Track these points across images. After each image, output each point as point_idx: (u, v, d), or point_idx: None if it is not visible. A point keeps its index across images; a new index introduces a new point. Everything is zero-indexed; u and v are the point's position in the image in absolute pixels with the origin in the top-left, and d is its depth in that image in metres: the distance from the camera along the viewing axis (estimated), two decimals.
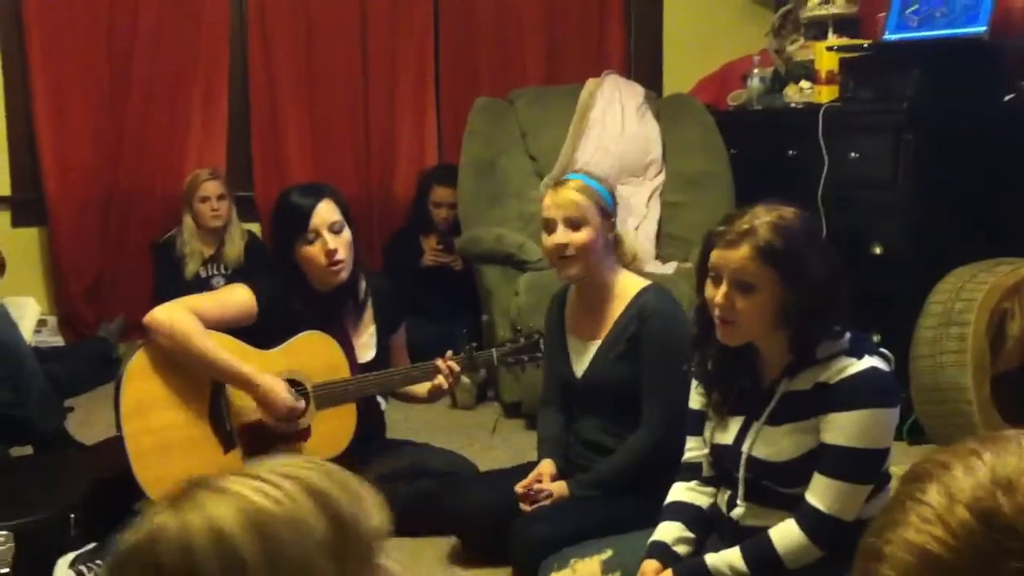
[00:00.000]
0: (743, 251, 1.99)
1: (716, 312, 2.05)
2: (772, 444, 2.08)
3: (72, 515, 2.66)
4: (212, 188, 4.46)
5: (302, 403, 2.80)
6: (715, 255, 2.05)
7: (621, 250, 2.70)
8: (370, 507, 0.93)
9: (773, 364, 2.11)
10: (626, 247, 2.72)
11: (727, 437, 2.16)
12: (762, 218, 2.01)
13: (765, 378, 2.13)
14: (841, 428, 1.99)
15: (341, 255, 2.86)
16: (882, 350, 2.09)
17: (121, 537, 0.89)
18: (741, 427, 2.13)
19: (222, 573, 0.84)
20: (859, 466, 2.00)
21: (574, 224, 2.58)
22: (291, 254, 2.88)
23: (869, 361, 2.01)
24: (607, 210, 2.62)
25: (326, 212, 2.87)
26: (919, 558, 0.75)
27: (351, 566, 0.89)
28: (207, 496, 0.87)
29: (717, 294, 2.04)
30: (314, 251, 2.85)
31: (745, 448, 2.11)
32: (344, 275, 2.90)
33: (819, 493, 2.01)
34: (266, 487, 0.88)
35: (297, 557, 0.86)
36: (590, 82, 4.68)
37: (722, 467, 2.18)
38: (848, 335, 2.06)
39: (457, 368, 2.89)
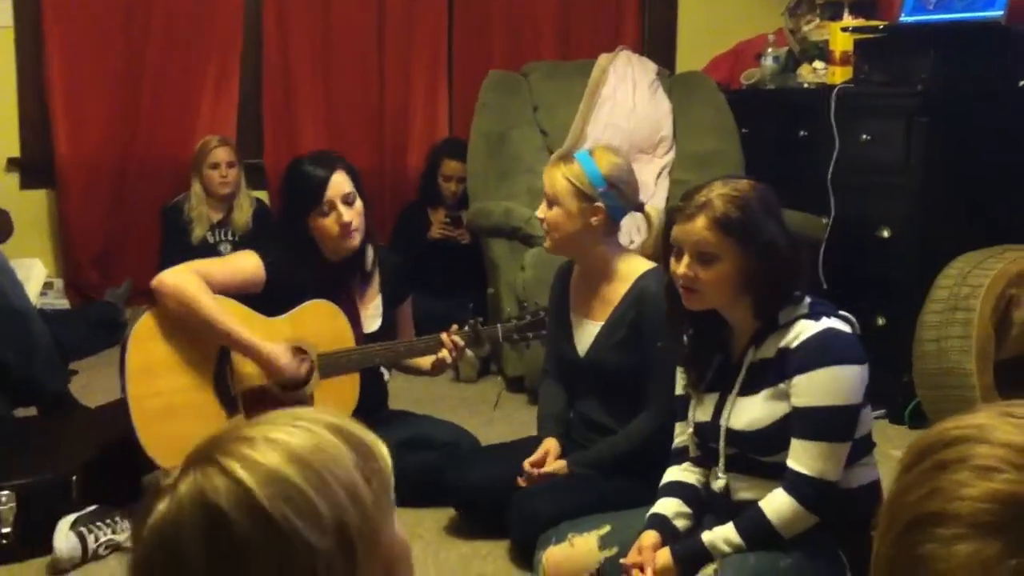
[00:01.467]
0: (700, 223, 2.07)
1: (680, 283, 2.12)
2: (747, 414, 2.11)
3: (74, 477, 2.68)
4: (222, 155, 4.46)
5: (304, 369, 2.80)
6: (675, 230, 2.12)
7: (650, 238, 2.69)
8: (375, 440, 0.97)
9: (743, 335, 2.16)
10: (650, 235, 2.70)
11: (706, 414, 2.19)
12: (717, 191, 2.09)
13: (736, 351, 2.18)
14: (805, 389, 2.03)
15: (355, 225, 2.87)
16: (843, 313, 2.13)
17: (142, 517, 0.88)
18: (717, 402, 2.17)
19: (287, 506, 0.86)
20: (831, 424, 2.04)
21: (550, 201, 2.64)
22: (303, 224, 2.88)
23: (826, 323, 2.06)
24: (588, 194, 2.60)
25: (339, 183, 2.87)
26: (1000, 503, 0.77)
27: (375, 486, 0.93)
28: (236, 447, 0.89)
29: (680, 267, 2.10)
30: (328, 223, 2.86)
31: (723, 421, 2.14)
32: (356, 241, 2.91)
33: (799, 457, 2.04)
34: (286, 428, 0.92)
35: (343, 478, 0.90)
36: (602, 58, 4.66)
37: (706, 444, 2.21)
38: (808, 299, 2.11)
39: (462, 343, 2.89)
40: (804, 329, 2.06)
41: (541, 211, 2.68)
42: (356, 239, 2.90)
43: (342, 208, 2.86)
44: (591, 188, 2.60)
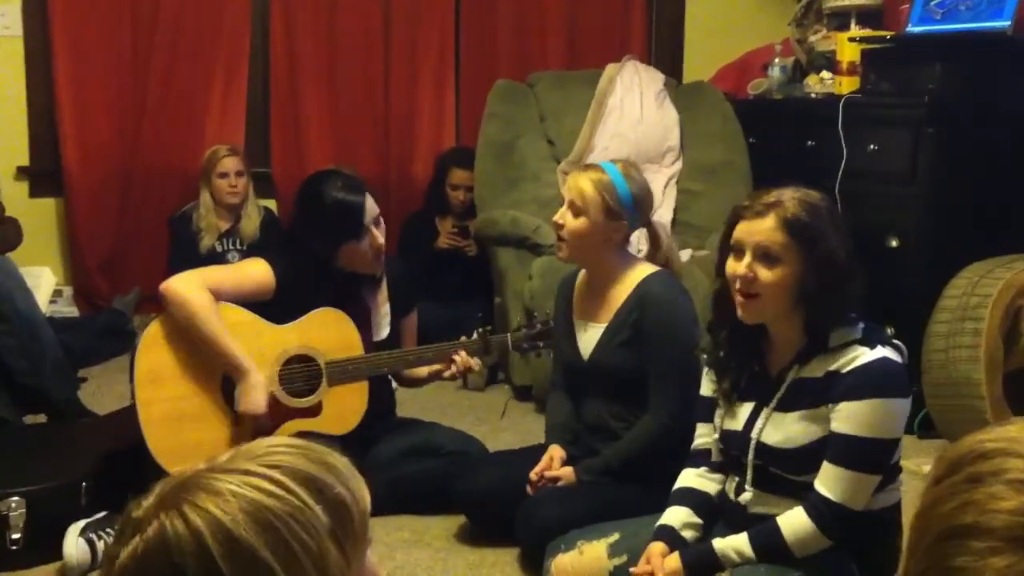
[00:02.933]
0: (769, 222, 2.02)
1: (737, 286, 2.05)
2: (781, 430, 2.08)
3: (83, 483, 2.69)
4: (231, 164, 4.46)
5: (266, 419, 2.77)
6: (740, 228, 2.06)
7: (656, 251, 2.71)
8: (357, 486, 0.95)
9: (785, 350, 2.12)
10: (663, 249, 2.71)
11: (736, 423, 2.16)
12: (789, 194, 2.04)
13: (775, 364, 2.14)
14: (851, 417, 1.99)
15: (384, 246, 2.92)
16: (895, 341, 2.09)
17: (114, 545, 0.89)
18: (751, 413, 2.14)
19: (246, 574, 0.85)
20: (868, 456, 2.01)
21: (575, 211, 2.62)
22: (334, 248, 2.87)
23: (881, 351, 2.01)
24: (615, 211, 2.60)
25: (372, 207, 2.90)
26: None
27: (349, 545, 0.91)
28: (206, 499, 0.87)
29: (739, 266, 2.05)
30: (363, 247, 2.88)
31: (754, 434, 2.11)
32: (381, 266, 2.96)
33: (828, 482, 2.01)
34: (260, 482, 0.89)
35: (311, 547, 0.88)
36: (610, 67, 4.67)
37: (731, 453, 2.19)
38: (861, 324, 2.06)
39: (472, 362, 2.90)
40: (859, 355, 2.00)
41: (560, 216, 2.65)
42: (383, 260, 2.94)
43: (375, 231, 2.88)
44: (619, 205, 2.61)
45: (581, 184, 2.62)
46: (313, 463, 0.93)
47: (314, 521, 0.89)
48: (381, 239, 2.90)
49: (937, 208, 3.66)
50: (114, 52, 4.72)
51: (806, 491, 2.05)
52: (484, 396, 4.10)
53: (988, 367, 3.30)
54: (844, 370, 2.01)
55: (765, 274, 2.02)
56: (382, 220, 2.94)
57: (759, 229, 2.02)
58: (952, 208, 3.65)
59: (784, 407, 2.09)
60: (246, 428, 2.77)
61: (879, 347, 2.02)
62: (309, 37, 4.93)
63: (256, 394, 2.75)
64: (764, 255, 2.02)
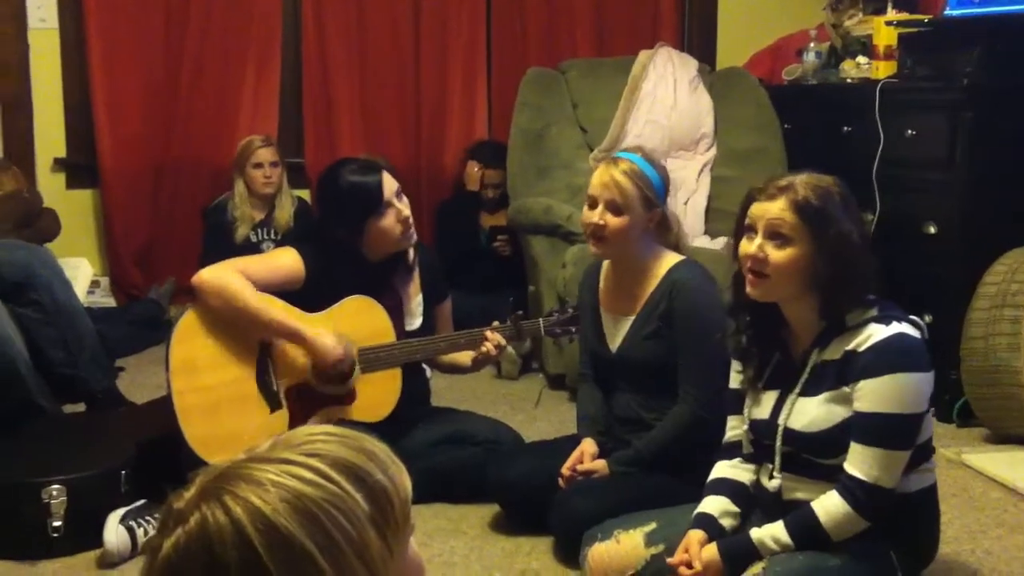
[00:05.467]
0: (780, 203, 2.06)
1: (748, 265, 2.09)
2: (807, 415, 2.09)
3: (123, 472, 2.71)
4: (265, 155, 4.48)
5: (349, 354, 2.80)
6: (753, 208, 2.11)
7: (667, 235, 2.68)
8: (397, 473, 0.95)
9: (804, 335, 2.14)
10: (672, 233, 2.69)
11: (763, 411, 2.17)
12: (802, 179, 2.08)
13: (797, 350, 2.16)
14: (871, 394, 2.00)
15: (411, 220, 2.90)
16: (912, 317, 2.10)
17: (157, 536, 0.89)
18: (776, 400, 2.15)
19: (287, 564, 0.85)
20: (893, 431, 2.01)
21: (615, 209, 2.56)
22: (361, 232, 2.87)
23: (897, 327, 2.03)
24: (652, 200, 2.57)
25: (390, 182, 2.90)
26: None
27: (391, 533, 0.91)
28: (246, 489, 0.87)
29: (751, 246, 2.08)
30: (388, 222, 2.87)
31: (781, 420, 2.12)
32: (414, 239, 2.95)
33: (857, 462, 2.02)
34: (300, 471, 0.89)
35: (352, 535, 0.88)
36: (642, 54, 4.64)
37: (761, 442, 2.19)
38: (877, 305, 2.08)
39: (503, 340, 2.89)
40: (874, 333, 2.03)
41: (599, 217, 2.56)
42: (414, 234, 2.93)
43: (399, 204, 2.88)
44: (654, 193, 2.58)
45: (618, 179, 2.55)
46: (353, 451, 0.93)
47: (355, 509, 0.89)
48: (406, 211, 2.89)
49: (976, 194, 3.61)
50: (147, 44, 4.76)
51: (837, 473, 2.05)
52: (518, 385, 4.10)
53: None
54: (860, 348, 2.03)
55: (775, 254, 2.06)
56: (404, 196, 2.93)
57: (771, 210, 2.06)
58: (991, 194, 3.60)
59: (808, 391, 2.10)
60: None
61: (894, 323, 2.04)
62: (340, 27, 4.94)
63: (324, 340, 2.76)
64: (774, 235, 2.06)
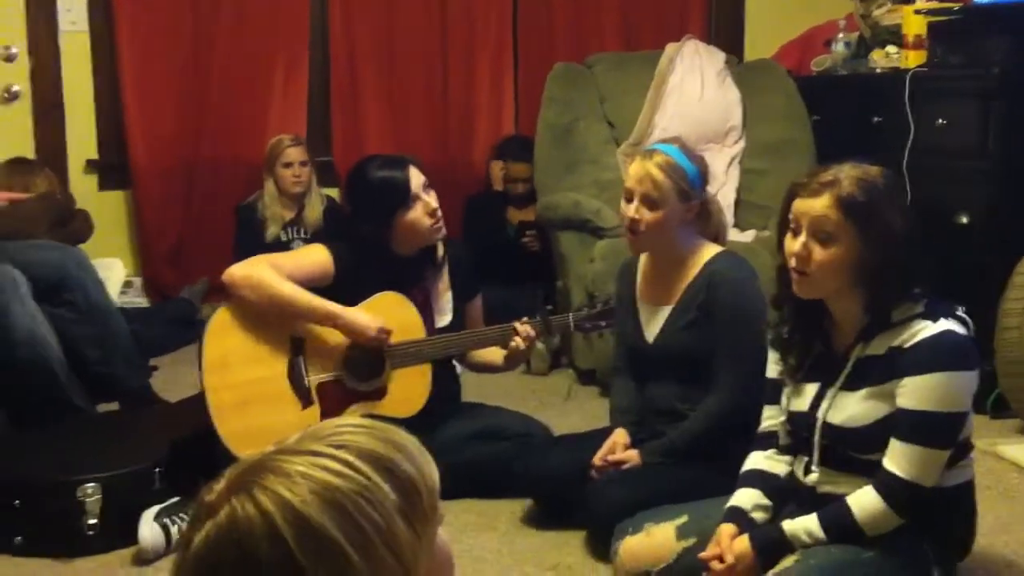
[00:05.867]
0: (824, 200, 2.00)
1: (792, 263, 2.05)
2: (847, 410, 2.06)
3: (157, 469, 2.73)
4: (294, 154, 4.50)
5: (385, 329, 2.82)
6: (796, 204, 2.05)
7: (708, 225, 2.67)
8: (424, 463, 0.95)
9: (848, 328, 2.10)
10: (712, 222, 2.68)
11: (802, 404, 2.14)
12: (847, 172, 2.02)
13: (840, 343, 2.12)
14: (915, 392, 1.97)
15: (440, 212, 2.91)
16: (960, 314, 2.06)
17: (188, 530, 0.90)
18: (816, 393, 2.12)
19: (317, 555, 0.86)
20: (936, 430, 1.98)
21: (650, 203, 2.55)
22: (388, 225, 2.89)
23: (944, 324, 1.99)
24: (688, 192, 2.56)
25: (416, 175, 2.92)
26: None
27: (419, 523, 0.92)
28: (275, 481, 0.88)
29: (795, 244, 2.04)
30: (416, 215, 2.88)
31: (820, 414, 2.10)
32: (444, 232, 2.95)
33: (896, 459, 1.99)
34: (328, 462, 0.90)
35: (380, 525, 0.88)
36: (669, 47, 4.62)
37: (798, 434, 2.17)
38: (925, 300, 2.04)
39: (533, 332, 2.89)
40: (921, 329, 1.99)
41: (635, 212, 2.56)
42: (443, 228, 2.93)
43: (427, 197, 2.89)
44: (690, 186, 2.56)
45: (652, 173, 2.53)
46: (380, 442, 0.93)
47: (383, 500, 0.89)
48: (434, 204, 2.90)
49: (1008, 183, 3.57)
50: (177, 45, 4.80)
51: (875, 469, 2.02)
52: (548, 380, 4.10)
53: None
54: (907, 345, 1.99)
55: (819, 253, 2.01)
56: (432, 190, 2.94)
57: (814, 207, 2.01)
58: (1023, 183, 3.56)
59: (849, 386, 2.07)
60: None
61: (942, 320, 1.99)
62: (367, 26, 4.95)
63: (359, 317, 2.79)
64: (819, 233, 2.01)
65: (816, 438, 2.11)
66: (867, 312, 2.06)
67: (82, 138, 4.78)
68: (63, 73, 4.70)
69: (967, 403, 2.02)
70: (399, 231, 2.90)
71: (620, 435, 2.66)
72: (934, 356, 1.97)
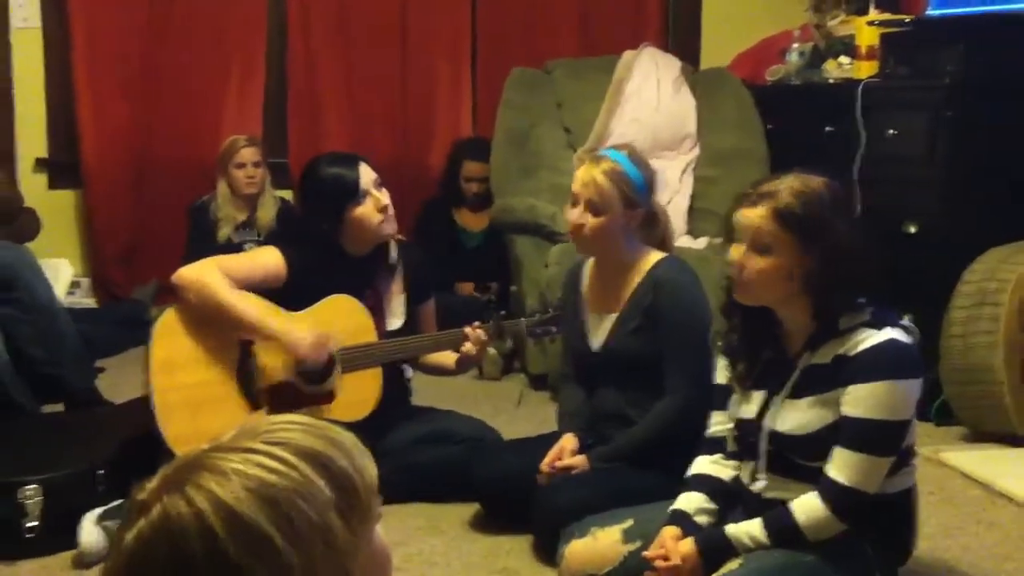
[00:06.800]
0: (761, 211, 2.03)
1: (732, 271, 2.08)
2: (794, 417, 2.08)
3: (100, 471, 2.70)
4: (248, 155, 4.47)
5: (323, 345, 2.80)
6: (737, 214, 2.08)
7: (654, 233, 2.68)
8: (361, 460, 0.94)
9: (797, 337, 2.12)
10: (659, 230, 2.69)
11: (750, 411, 2.16)
12: (787, 183, 2.04)
13: (788, 351, 2.14)
14: (860, 400, 1.99)
15: (391, 209, 2.91)
16: (905, 323, 2.09)
17: (121, 529, 0.88)
18: (764, 401, 2.14)
19: (250, 552, 0.85)
20: (879, 438, 2.00)
21: (595, 209, 2.56)
22: (339, 221, 2.88)
23: (889, 333, 2.01)
24: (633, 199, 2.57)
25: (368, 171, 2.92)
26: None
27: (356, 520, 0.91)
28: (208, 478, 0.87)
29: (734, 253, 2.07)
30: (367, 210, 2.88)
31: (767, 421, 2.11)
32: (394, 228, 2.95)
33: (840, 466, 2.01)
34: (263, 459, 0.89)
35: (316, 522, 0.88)
36: (627, 54, 4.64)
37: (746, 441, 2.18)
38: (871, 308, 2.06)
39: (485, 336, 2.89)
40: (865, 338, 2.01)
41: (579, 217, 2.57)
42: (395, 223, 2.94)
43: (377, 193, 2.89)
44: (636, 193, 2.57)
45: (598, 179, 2.55)
46: (316, 438, 0.93)
47: (318, 496, 0.89)
48: (385, 200, 2.90)
49: (956, 193, 3.63)
50: (131, 43, 4.75)
51: (820, 476, 2.03)
52: (500, 385, 4.09)
53: (1007, 353, 3.27)
54: (851, 353, 2.01)
55: (755, 262, 2.04)
56: (384, 188, 2.94)
57: (752, 218, 2.04)
58: (971, 193, 3.61)
59: (796, 394, 2.09)
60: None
61: (887, 328, 2.02)
62: (325, 27, 4.94)
63: (295, 334, 2.76)
64: (756, 244, 2.04)
65: (763, 445, 2.12)
66: (814, 320, 2.07)
67: (32, 136, 4.72)
68: (13, 71, 4.63)
69: (910, 411, 2.04)
70: (350, 228, 2.89)
71: (568, 440, 2.66)
72: (878, 364, 1.99)
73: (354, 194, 2.87)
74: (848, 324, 2.04)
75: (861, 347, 2.00)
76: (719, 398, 2.27)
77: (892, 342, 2.00)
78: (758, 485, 2.14)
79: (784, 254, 2.02)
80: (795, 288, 2.05)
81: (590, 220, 2.57)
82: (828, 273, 2.01)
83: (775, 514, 2.07)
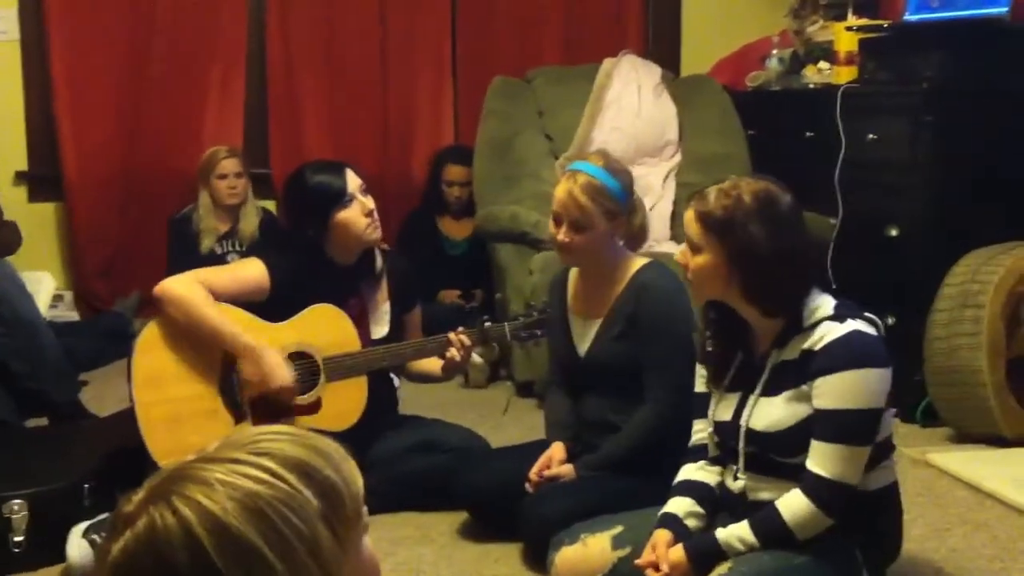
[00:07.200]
0: (689, 213, 2.14)
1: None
2: (768, 416, 2.11)
3: (86, 485, 2.68)
4: (230, 166, 4.46)
5: (294, 385, 2.79)
6: (685, 215, 2.18)
7: (630, 226, 2.68)
8: (347, 469, 0.94)
9: (764, 336, 2.16)
10: (636, 222, 2.68)
11: (726, 413, 2.19)
12: (718, 187, 2.12)
13: (758, 351, 2.18)
14: (829, 391, 2.03)
15: (376, 214, 2.91)
16: (868, 315, 2.13)
17: (106, 541, 0.88)
18: (739, 401, 2.17)
19: (237, 562, 0.84)
20: (852, 427, 2.03)
21: (577, 227, 2.56)
22: (325, 227, 2.88)
23: (852, 325, 2.06)
24: (614, 211, 2.58)
25: (353, 177, 2.93)
26: None
27: (342, 529, 0.91)
28: (195, 489, 0.87)
29: (679, 251, 2.20)
30: (352, 214, 2.88)
31: (743, 421, 2.14)
32: (379, 233, 2.95)
33: (819, 459, 2.04)
34: (249, 470, 0.89)
35: (303, 532, 0.87)
36: (607, 62, 4.66)
37: (725, 443, 2.21)
38: (834, 303, 2.10)
39: (469, 341, 2.89)
40: (829, 331, 2.05)
41: (564, 236, 2.57)
42: (379, 229, 2.94)
43: (363, 198, 2.89)
44: (616, 204, 2.58)
45: (578, 198, 2.54)
46: (302, 448, 0.92)
47: (305, 506, 0.88)
48: (371, 205, 2.91)
49: (936, 196, 3.65)
50: (111, 55, 4.73)
51: (801, 472, 2.06)
52: (486, 393, 4.09)
53: (990, 354, 3.29)
54: (817, 347, 2.05)
55: (692, 260, 2.14)
56: (370, 195, 2.95)
57: (687, 218, 2.15)
58: (952, 196, 3.64)
59: (768, 392, 2.12)
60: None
61: (849, 320, 2.06)
62: (306, 37, 4.93)
63: (274, 368, 2.74)
64: (690, 243, 2.15)
65: (741, 445, 2.15)
66: (770, 319, 2.12)
67: (12, 149, 4.69)
68: None
69: (880, 399, 2.07)
70: (336, 233, 2.89)
71: (556, 449, 2.66)
72: (843, 355, 2.03)
73: (341, 197, 2.87)
74: (811, 319, 2.08)
75: (826, 340, 2.04)
76: (700, 406, 2.29)
77: (856, 333, 2.04)
78: (738, 485, 2.17)
79: (713, 253, 2.10)
80: (735, 288, 2.11)
81: (575, 238, 2.57)
82: (748, 276, 2.08)
83: (762, 515, 2.08)
